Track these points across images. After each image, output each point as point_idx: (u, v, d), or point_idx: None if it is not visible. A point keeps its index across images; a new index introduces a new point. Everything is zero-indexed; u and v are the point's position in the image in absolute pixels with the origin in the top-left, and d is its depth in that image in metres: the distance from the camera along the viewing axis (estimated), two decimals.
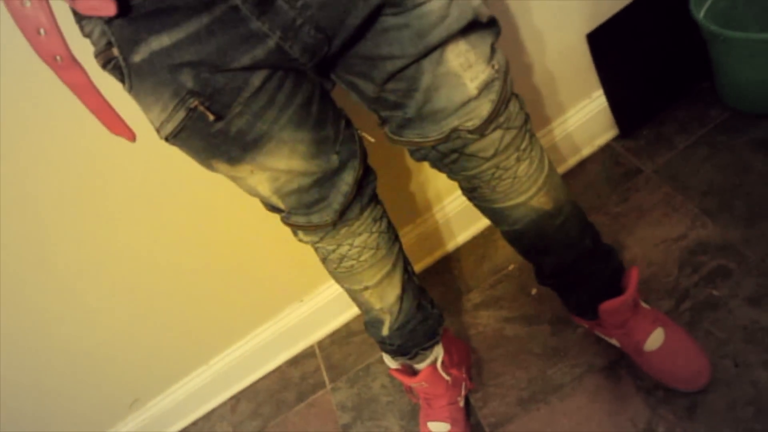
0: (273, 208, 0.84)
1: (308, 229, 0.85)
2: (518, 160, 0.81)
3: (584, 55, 1.28)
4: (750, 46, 1.15)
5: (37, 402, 1.32)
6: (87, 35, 0.65)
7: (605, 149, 1.41)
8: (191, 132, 0.68)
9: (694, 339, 1.01)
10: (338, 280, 0.97)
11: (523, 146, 0.81)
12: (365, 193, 0.85)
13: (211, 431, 1.45)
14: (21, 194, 1.04)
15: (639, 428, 0.99)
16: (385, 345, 1.06)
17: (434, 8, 0.65)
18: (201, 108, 0.65)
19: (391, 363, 1.10)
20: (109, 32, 0.61)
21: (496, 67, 0.72)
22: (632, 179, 1.32)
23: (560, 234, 0.93)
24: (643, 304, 1.04)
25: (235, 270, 1.29)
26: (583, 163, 1.42)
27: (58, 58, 0.61)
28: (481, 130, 0.75)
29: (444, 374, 1.10)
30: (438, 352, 1.09)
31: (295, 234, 0.89)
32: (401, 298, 0.99)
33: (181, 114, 0.66)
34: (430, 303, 1.07)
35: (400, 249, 0.98)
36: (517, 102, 0.79)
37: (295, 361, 1.47)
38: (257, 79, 0.66)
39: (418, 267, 1.43)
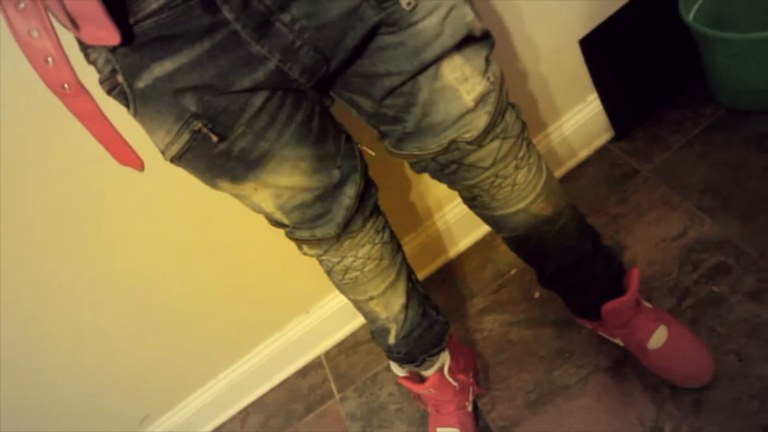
0: (277, 224, 0.85)
1: (312, 242, 0.86)
2: (517, 168, 0.83)
3: (577, 60, 1.30)
4: (739, 46, 1.16)
5: (48, 419, 1.32)
6: (92, 62, 0.66)
7: (602, 151, 1.43)
8: (195, 153, 0.69)
9: (697, 336, 1.02)
10: (343, 291, 0.98)
11: (521, 154, 0.83)
12: (367, 205, 0.86)
13: None
14: (31, 215, 1.05)
15: (646, 426, 1.00)
16: (392, 353, 1.07)
17: (428, 26, 0.66)
18: (204, 130, 0.66)
19: (398, 371, 1.11)
20: (114, 60, 0.62)
21: (492, 79, 0.74)
22: (630, 180, 1.33)
23: (560, 238, 0.94)
24: (645, 303, 1.05)
25: (241, 284, 1.30)
26: (580, 166, 1.44)
27: (66, 86, 0.61)
28: (479, 141, 0.77)
29: (451, 380, 1.10)
30: (445, 359, 1.10)
31: (300, 248, 0.89)
32: (406, 307, 1.00)
33: (185, 136, 0.67)
34: (435, 310, 1.07)
35: (403, 258, 0.99)
36: (513, 111, 0.81)
37: (302, 373, 1.48)
38: (258, 100, 0.67)
39: (421, 275, 1.44)
